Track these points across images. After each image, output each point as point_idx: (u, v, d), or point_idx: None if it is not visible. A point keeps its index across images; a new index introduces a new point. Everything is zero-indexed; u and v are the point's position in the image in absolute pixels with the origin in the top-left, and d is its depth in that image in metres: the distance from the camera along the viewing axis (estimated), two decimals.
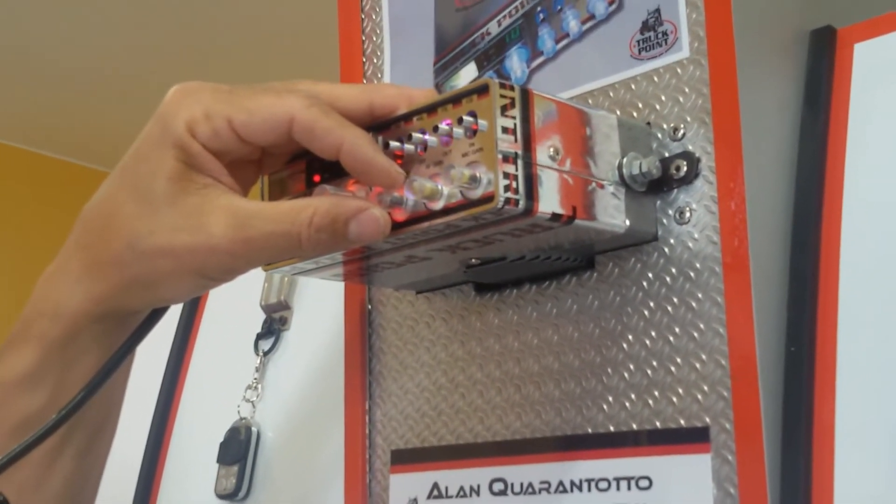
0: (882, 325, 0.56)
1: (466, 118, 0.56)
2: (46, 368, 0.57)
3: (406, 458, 0.73)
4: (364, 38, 0.81)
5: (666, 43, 0.63)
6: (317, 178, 0.62)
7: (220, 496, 0.87)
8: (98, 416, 0.61)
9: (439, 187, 0.56)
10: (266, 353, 0.91)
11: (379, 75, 0.80)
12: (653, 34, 0.63)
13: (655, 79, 0.64)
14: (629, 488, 0.61)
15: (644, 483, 0.60)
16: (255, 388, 0.90)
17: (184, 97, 0.56)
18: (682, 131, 0.62)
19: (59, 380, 0.57)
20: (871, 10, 0.66)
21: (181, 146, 0.55)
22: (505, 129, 0.55)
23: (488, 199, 0.54)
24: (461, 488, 0.69)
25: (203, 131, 0.55)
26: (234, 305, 0.96)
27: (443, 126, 0.56)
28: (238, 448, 0.87)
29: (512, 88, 0.56)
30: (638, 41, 0.64)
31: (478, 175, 0.55)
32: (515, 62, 0.71)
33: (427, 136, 0.57)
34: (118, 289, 0.57)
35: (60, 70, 3.49)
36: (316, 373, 0.87)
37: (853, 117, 0.61)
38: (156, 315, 0.60)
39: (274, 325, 0.92)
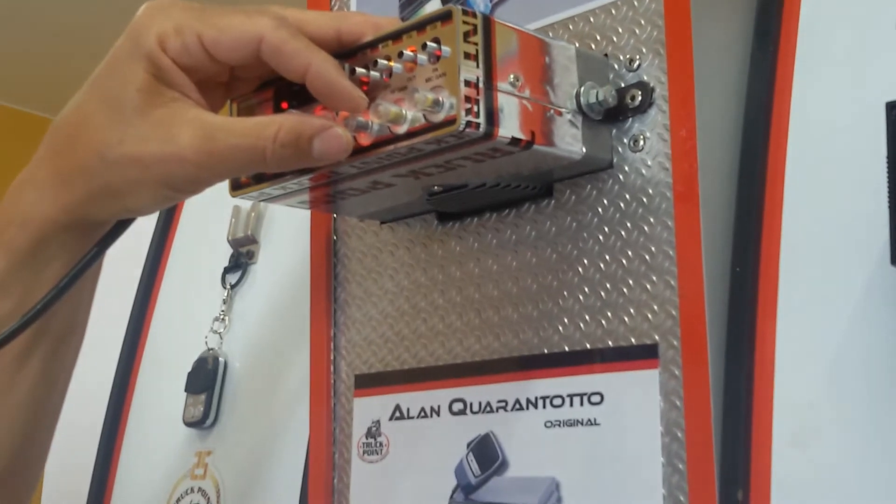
0: (822, 247, 0.59)
1: (430, 44, 0.57)
2: (14, 276, 0.59)
3: (369, 382, 0.76)
4: None
5: None
6: (284, 105, 0.63)
7: (188, 423, 0.89)
8: (64, 324, 0.63)
9: (403, 111, 0.58)
10: (233, 287, 0.93)
11: (345, 10, 0.81)
12: None
13: (613, 11, 0.66)
14: (581, 404, 0.63)
15: (596, 398, 0.63)
16: (223, 319, 0.92)
17: (155, 12, 0.58)
18: (637, 62, 0.64)
19: (26, 287, 0.59)
20: None
21: (151, 59, 0.57)
22: (467, 55, 0.57)
23: (450, 122, 0.56)
24: (422, 409, 0.72)
25: (173, 46, 0.57)
26: (202, 240, 0.98)
27: (407, 52, 0.58)
28: (205, 377, 0.89)
29: (475, 16, 0.58)
30: None
31: (440, 99, 0.57)
32: None
33: (392, 63, 0.59)
34: (86, 198, 0.58)
35: (51, 26, 3.45)
36: (282, 304, 0.89)
37: (800, 50, 0.63)
38: (121, 226, 0.62)
39: (241, 258, 0.94)
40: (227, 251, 0.95)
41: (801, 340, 0.58)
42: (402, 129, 0.58)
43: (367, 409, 0.75)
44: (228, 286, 0.93)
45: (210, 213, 0.97)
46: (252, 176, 0.65)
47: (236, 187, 0.66)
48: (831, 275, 0.58)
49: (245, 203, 0.93)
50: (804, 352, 0.57)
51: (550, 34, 0.68)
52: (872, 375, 0.55)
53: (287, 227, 0.91)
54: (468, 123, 0.56)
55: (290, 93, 0.63)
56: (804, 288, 0.59)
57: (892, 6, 0.60)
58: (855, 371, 0.55)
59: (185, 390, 0.90)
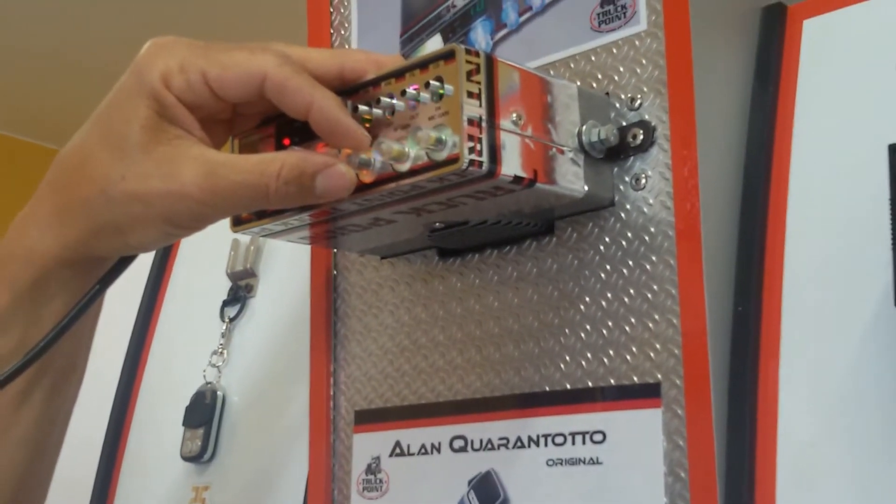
0: (824, 288, 0.59)
1: (433, 83, 0.58)
2: (15, 312, 0.59)
3: (369, 418, 0.75)
4: (332, 10, 0.82)
5: (625, 16, 0.65)
6: (286, 141, 0.64)
7: (185, 458, 0.88)
8: (65, 361, 0.63)
9: (406, 149, 0.58)
10: (232, 320, 0.93)
11: (346, 46, 0.81)
12: (612, 7, 0.66)
13: (614, 51, 0.66)
14: (584, 442, 0.63)
15: (598, 437, 0.63)
16: (221, 353, 0.92)
17: (160, 49, 0.58)
18: (638, 101, 0.64)
19: (27, 324, 0.59)
20: None
21: (155, 96, 0.57)
22: (470, 94, 0.57)
23: (453, 160, 0.57)
24: (422, 446, 0.71)
25: (177, 83, 0.57)
26: (201, 272, 0.98)
27: (410, 90, 0.58)
28: (203, 411, 0.89)
29: (477, 55, 0.58)
30: (598, 14, 0.67)
31: (443, 137, 0.57)
32: (480, 34, 0.73)
33: (395, 101, 0.59)
34: (88, 234, 0.58)
35: (37, 53, 3.46)
36: (281, 338, 0.89)
37: (801, 91, 0.64)
38: (124, 262, 0.62)
39: (240, 292, 0.94)
40: (226, 284, 0.95)
41: (804, 380, 0.58)
42: (404, 167, 0.58)
43: (367, 445, 0.75)
44: (227, 320, 0.93)
45: (209, 246, 0.97)
46: (253, 212, 0.65)
47: (237, 223, 0.66)
48: (834, 315, 0.58)
49: (245, 236, 0.93)
50: (807, 392, 0.57)
51: (552, 72, 0.69)
52: (875, 416, 0.55)
53: (287, 261, 0.91)
54: (471, 162, 0.56)
55: (291, 129, 0.63)
56: (807, 328, 0.59)
57: (894, 46, 0.61)
58: (858, 411, 0.55)
59: (183, 424, 0.89)
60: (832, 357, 0.57)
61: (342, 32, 0.82)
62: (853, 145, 0.60)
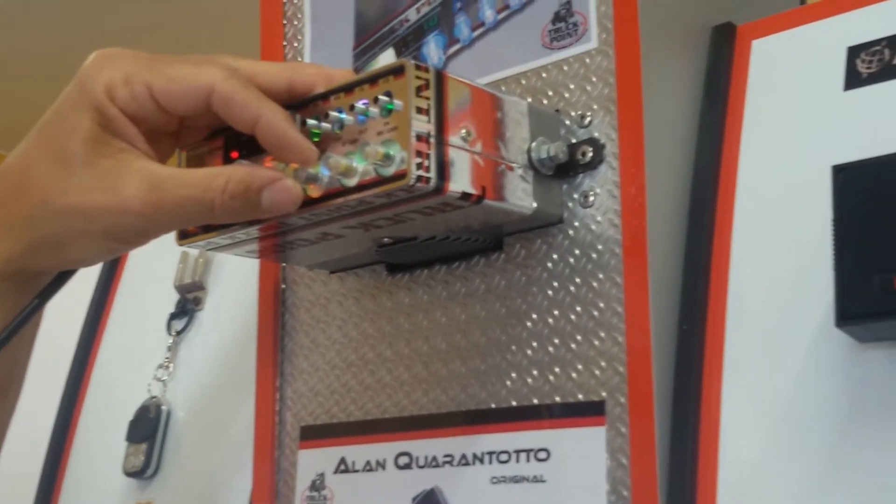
0: (768, 306, 0.59)
1: (382, 98, 0.57)
2: None
3: (315, 434, 0.75)
4: (285, 22, 0.82)
5: (576, 34, 0.66)
6: (234, 154, 0.63)
7: (128, 473, 0.87)
8: (2, 376, 0.61)
9: (354, 164, 0.58)
10: (179, 333, 0.92)
11: (299, 59, 0.81)
12: (563, 25, 0.66)
13: (565, 68, 0.66)
14: (528, 460, 0.63)
15: (542, 455, 0.62)
16: (167, 367, 0.90)
17: (104, 61, 0.57)
18: (588, 118, 0.65)
19: None
20: (769, 9, 0.70)
21: (99, 109, 0.56)
22: (419, 110, 0.57)
23: (401, 176, 0.56)
24: (367, 462, 0.71)
25: (122, 95, 0.56)
26: (148, 284, 0.96)
27: (359, 105, 0.58)
28: (147, 426, 0.88)
29: (427, 70, 0.58)
30: (549, 31, 0.67)
31: (391, 153, 0.57)
32: (433, 49, 0.73)
33: (344, 115, 0.59)
34: (27, 248, 0.57)
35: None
36: (228, 352, 0.87)
37: (749, 110, 0.64)
38: (63, 277, 0.60)
39: (188, 304, 0.92)
40: (174, 297, 0.93)
41: (747, 399, 0.58)
42: (352, 182, 0.58)
43: (312, 461, 0.74)
44: (174, 333, 0.92)
45: (157, 258, 0.95)
46: (200, 225, 0.64)
47: (183, 236, 0.65)
48: (777, 334, 0.58)
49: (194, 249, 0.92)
50: (749, 411, 0.57)
51: (503, 88, 0.69)
52: (817, 435, 0.55)
53: (235, 274, 0.90)
54: (419, 178, 0.56)
55: (240, 142, 0.62)
56: (750, 346, 0.59)
57: (841, 68, 0.62)
58: (799, 430, 0.55)
59: (126, 439, 0.88)
60: (775, 376, 0.57)
61: (295, 45, 0.81)
62: (799, 166, 0.60)
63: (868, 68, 0.60)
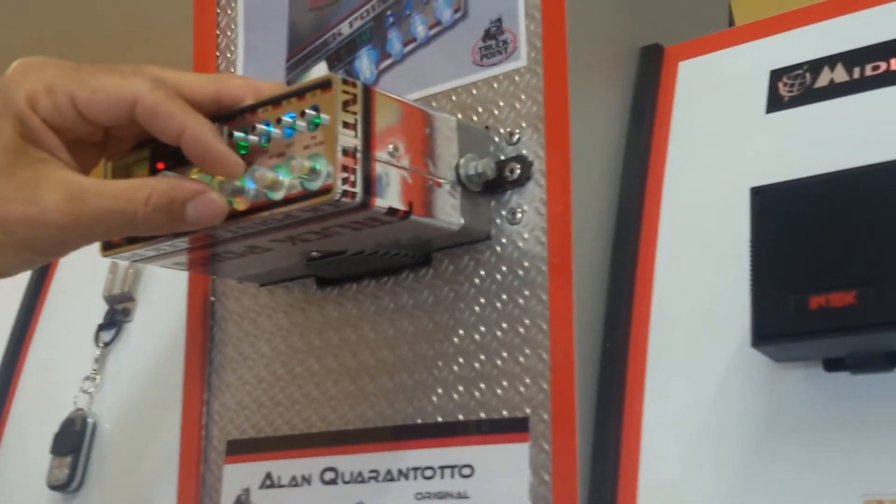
0: (689, 326, 0.60)
1: (309, 111, 0.57)
2: None
3: (241, 449, 0.74)
4: (219, 33, 0.81)
5: (506, 51, 0.66)
6: (160, 165, 0.62)
7: (52, 487, 0.85)
8: None
9: (280, 177, 0.58)
10: (107, 345, 0.90)
11: (232, 70, 0.80)
12: (494, 42, 0.66)
13: (495, 85, 0.67)
14: (452, 476, 0.63)
15: (466, 471, 0.63)
16: (94, 379, 0.89)
17: (27, 70, 0.56)
18: (517, 136, 0.65)
19: None
20: (699, 30, 0.71)
21: (20, 118, 0.55)
22: (346, 124, 0.57)
23: (326, 190, 0.56)
24: (293, 477, 0.70)
25: (44, 105, 0.55)
26: (77, 294, 0.95)
27: (286, 118, 0.58)
28: (72, 439, 0.86)
29: (354, 85, 0.58)
30: (480, 48, 0.67)
31: (318, 167, 0.56)
32: (365, 63, 0.73)
33: (271, 128, 0.58)
34: None
35: None
36: (156, 365, 0.86)
37: (674, 131, 0.65)
38: None
39: (116, 316, 0.91)
40: (103, 307, 0.92)
41: (667, 418, 0.58)
42: (278, 196, 0.58)
43: (238, 476, 0.73)
44: (102, 344, 0.90)
45: (87, 268, 0.94)
46: (125, 237, 0.63)
47: (108, 247, 0.64)
48: (698, 353, 0.59)
49: None
50: (670, 429, 0.58)
51: (434, 104, 0.69)
52: (734, 454, 0.56)
53: (165, 285, 0.89)
54: (344, 193, 0.56)
55: (166, 153, 0.61)
56: (671, 365, 0.59)
57: (763, 92, 0.63)
58: (717, 449, 0.56)
59: (51, 452, 0.86)
60: (695, 394, 0.58)
61: (228, 56, 0.81)
62: (721, 187, 0.61)
63: (790, 92, 0.61)
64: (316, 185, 0.57)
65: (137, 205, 0.55)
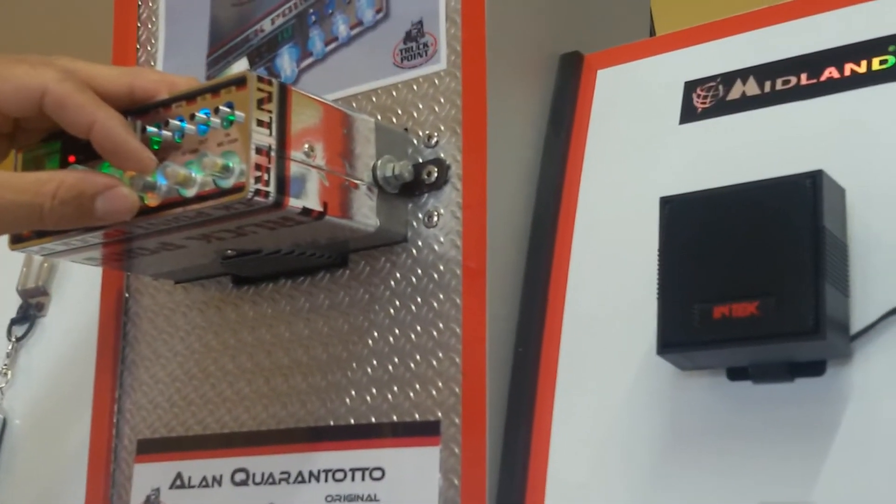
0: (599, 332, 0.60)
1: (223, 108, 0.57)
2: None
3: (151, 448, 0.73)
4: (139, 25, 0.80)
5: (426, 54, 0.66)
6: (72, 158, 0.61)
7: None
8: None
9: (193, 174, 0.57)
10: (19, 339, 0.89)
11: (152, 63, 0.79)
12: (415, 45, 0.66)
13: (415, 87, 0.66)
14: (363, 479, 0.63)
15: (377, 474, 0.62)
16: (5, 374, 0.87)
17: None
18: (435, 139, 0.65)
19: None
20: (620, 38, 0.72)
21: None
22: (260, 122, 0.56)
23: (239, 188, 0.56)
24: (204, 478, 0.69)
25: None
26: None
27: (200, 115, 0.57)
28: None
29: (270, 83, 0.57)
30: (401, 50, 0.67)
31: (231, 164, 0.56)
32: (286, 61, 0.72)
33: (185, 124, 0.58)
34: None
35: None
36: (69, 361, 0.85)
37: (591, 139, 0.65)
38: None
39: (30, 310, 0.89)
40: (16, 301, 0.90)
41: (577, 423, 0.59)
42: (190, 193, 0.57)
43: (148, 476, 0.72)
44: (14, 339, 0.88)
45: (1, 261, 0.92)
46: (34, 230, 0.62)
47: (16, 241, 0.63)
48: (608, 359, 0.59)
49: None
50: (578, 434, 0.58)
51: (354, 105, 0.69)
52: (640, 459, 0.56)
53: (81, 280, 0.87)
54: (257, 191, 0.55)
55: (78, 146, 0.60)
56: (582, 371, 0.60)
57: (678, 102, 0.63)
58: (624, 455, 0.57)
59: None
60: (604, 400, 0.58)
61: (148, 49, 0.80)
62: (634, 196, 0.62)
63: (703, 103, 0.61)
64: (229, 182, 0.56)
65: (44, 198, 0.54)
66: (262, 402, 0.69)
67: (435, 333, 0.63)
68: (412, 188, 0.64)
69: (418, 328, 0.63)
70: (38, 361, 0.87)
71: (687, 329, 0.51)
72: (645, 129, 0.63)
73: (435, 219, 0.64)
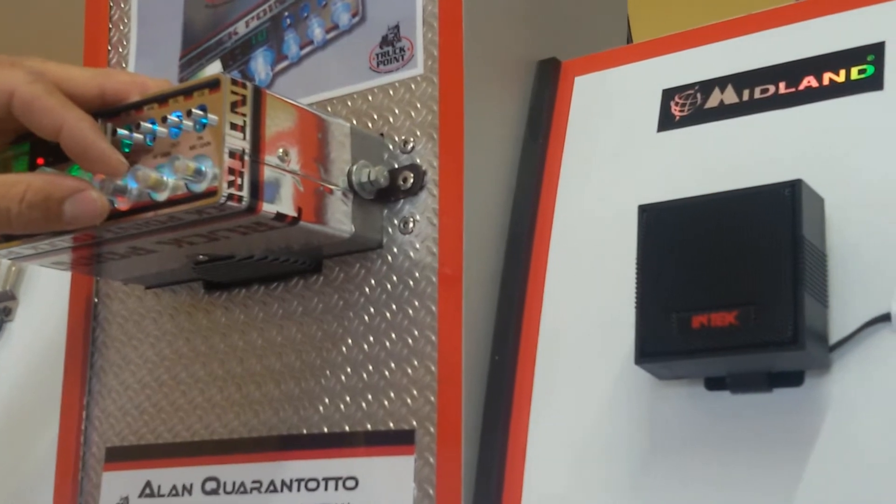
0: (577, 340, 0.60)
1: (196, 111, 0.56)
2: None
3: (120, 456, 0.72)
4: (111, 27, 0.79)
5: (402, 59, 0.65)
6: (40, 161, 0.60)
7: None
8: None
9: (164, 178, 0.56)
10: None
11: (124, 65, 0.78)
12: (391, 49, 0.66)
13: (391, 92, 0.66)
14: (336, 488, 0.62)
15: (351, 483, 0.61)
16: None
17: None
18: (411, 144, 0.64)
19: None
20: (598, 45, 0.71)
21: None
22: (234, 126, 0.55)
23: (212, 193, 0.55)
24: (174, 487, 0.68)
25: None
26: None
27: (172, 117, 0.56)
28: None
29: (244, 86, 0.56)
30: (377, 54, 0.66)
31: (203, 168, 0.55)
32: (260, 64, 0.71)
33: (156, 127, 0.57)
34: None
35: None
36: (37, 366, 0.83)
37: (569, 144, 0.65)
38: None
39: None
40: None
41: (553, 432, 0.58)
42: (162, 197, 0.56)
43: (116, 484, 0.71)
44: None
45: None
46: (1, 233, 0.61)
47: None
48: (585, 369, 0.59)
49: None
50: (554, 444, 0.58)
51: (329, 109, 0.68)
52: (617, 469, 0.56)
53: (50, 284, 0.86)
54: (230, 196, 0.54)
55: (47, 148, 0.59)
56: (559, 380, 0.59)
57: (655, 110, 0.63)
58: (601, 464, 0.56)
59: None
60: (581, 410, 0.58)
61: (120, 50, 0.78)
62: (611, 204, 0.61)
63: (681, 111, 0.61)
64: (201, 187, 0.55)
65: (11, 201, 0.53)
66: (234, 409, 0.68)
67: (410, 341, 0.62)
68: (388, 194, 0.64)
69: (393, 335, 0.63)
70: (6, 367, 0.85)
71: (665, 338, 0.51)
72: (622, 136, 0.63)
73: (410, 225, 0.63)
